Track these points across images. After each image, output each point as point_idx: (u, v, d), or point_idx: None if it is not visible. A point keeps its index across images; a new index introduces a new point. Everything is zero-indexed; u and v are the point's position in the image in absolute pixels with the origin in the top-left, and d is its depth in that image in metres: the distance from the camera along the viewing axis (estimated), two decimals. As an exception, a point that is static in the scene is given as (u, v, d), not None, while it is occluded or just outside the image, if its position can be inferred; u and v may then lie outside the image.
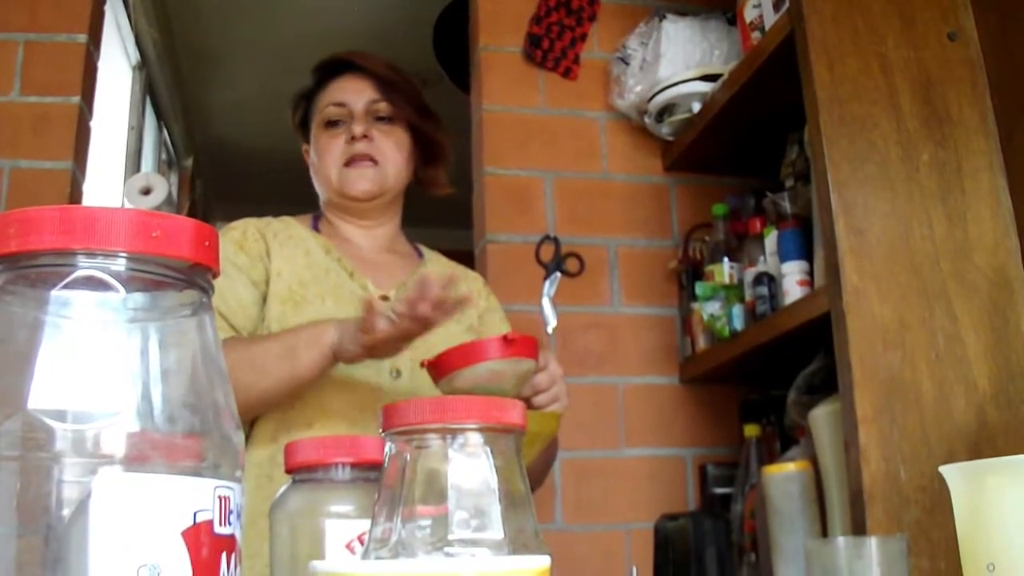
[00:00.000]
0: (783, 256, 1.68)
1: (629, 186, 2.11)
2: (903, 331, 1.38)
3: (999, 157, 1.49)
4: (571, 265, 2.02)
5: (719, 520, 1.65)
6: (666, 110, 2.02)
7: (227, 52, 3.30)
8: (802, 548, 1.15)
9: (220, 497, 0.38)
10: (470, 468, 0.46)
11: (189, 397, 0.39)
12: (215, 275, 0.41)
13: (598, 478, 1.93)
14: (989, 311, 1.41)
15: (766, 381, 1.89)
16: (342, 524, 0.58)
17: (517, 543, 0.45)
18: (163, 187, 2.54)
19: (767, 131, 1.86)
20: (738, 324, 1.82)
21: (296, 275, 1.41)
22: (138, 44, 2.89)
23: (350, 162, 1.47)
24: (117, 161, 2.81)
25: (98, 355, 0.37)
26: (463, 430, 0.46)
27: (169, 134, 3.46)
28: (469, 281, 1.58)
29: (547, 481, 1.87)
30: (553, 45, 2.12)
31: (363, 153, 1.47)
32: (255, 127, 3.53)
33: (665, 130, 2.06)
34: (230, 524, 0.39)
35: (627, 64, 2.06)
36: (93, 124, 1.97)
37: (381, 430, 0.48)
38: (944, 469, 0.61)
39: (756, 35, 1.79)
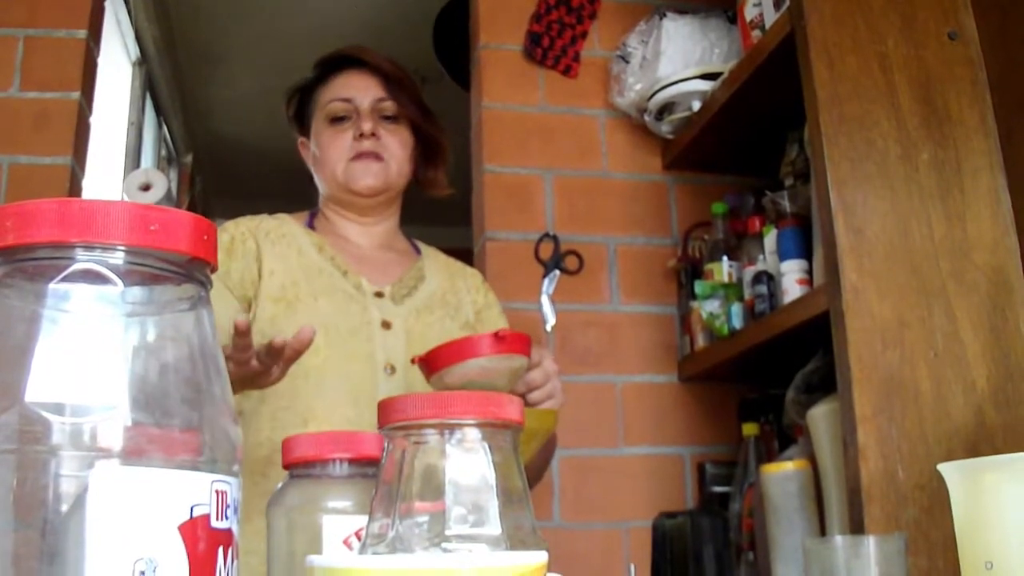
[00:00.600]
0: (782, 255, 1.68)
1: (629, 184, 2.11)
2: (902, 330, 1.38)
3: (999, 156, 1.49)
4: (570, 263, 2.02)
5: (717, 518, 1.65)
6: (666, 108, 2.02)
7: (227, 48, 3.30)
8: (800, 547, 1.15)
9: (217, 491, 0.38)
10: (468, 464, 0.45)
11: (187, 391, 0.39)
12: (213, 269, 0.41)
13: (596, 476, 1.93)
14: (988, 310, 1.41)
15: (765, 380, 1.89)
16: (340, 520, 0.58)
17: (514, 539, 0.45)
18: (163, 183, 2.54)
19: (767, 130, 1.86)
20: (737, 323, 1.82)
21: (289, 274, 1.40)
22: (138, 40, 2.89)
23: (356, 158, 1.47)
24: (117, 157, 2.81)
25: (95, 349, 0.37)
26: (461, 425, 0.46)
27: (169, 130, 3.46)
28: (466, 277, 1.58)
29: (545, 479, 1.87)
30: (553, 43, 2.12)
31: (369, 150, 1.47)
32: (255, 123, 3.53)
33: (665, 128, 2.06)
34: (227, 518, 0.39)
35: (627, 62, 2.06)
36: (93, 120, 1.96)
37: (378, 425, 0.48)
38: (942, 467, 0.61)
39: (756, 33, 1.79)
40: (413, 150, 1.53)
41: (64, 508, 0.35)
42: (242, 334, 1.09)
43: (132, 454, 0.36)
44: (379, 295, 1.43)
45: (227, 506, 0.39)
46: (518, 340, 1.24)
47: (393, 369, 1.38)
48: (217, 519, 0.38)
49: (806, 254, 1.64)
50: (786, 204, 1.69)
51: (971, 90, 1.51)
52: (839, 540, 0.94)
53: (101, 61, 2.03)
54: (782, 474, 1.47)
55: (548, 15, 2.12)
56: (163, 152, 3.38)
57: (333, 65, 1.54)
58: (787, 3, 1.59)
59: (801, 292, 1.61)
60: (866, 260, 1.40)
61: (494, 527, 0.44)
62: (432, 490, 0.45)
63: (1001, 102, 1.50)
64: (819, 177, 1.45)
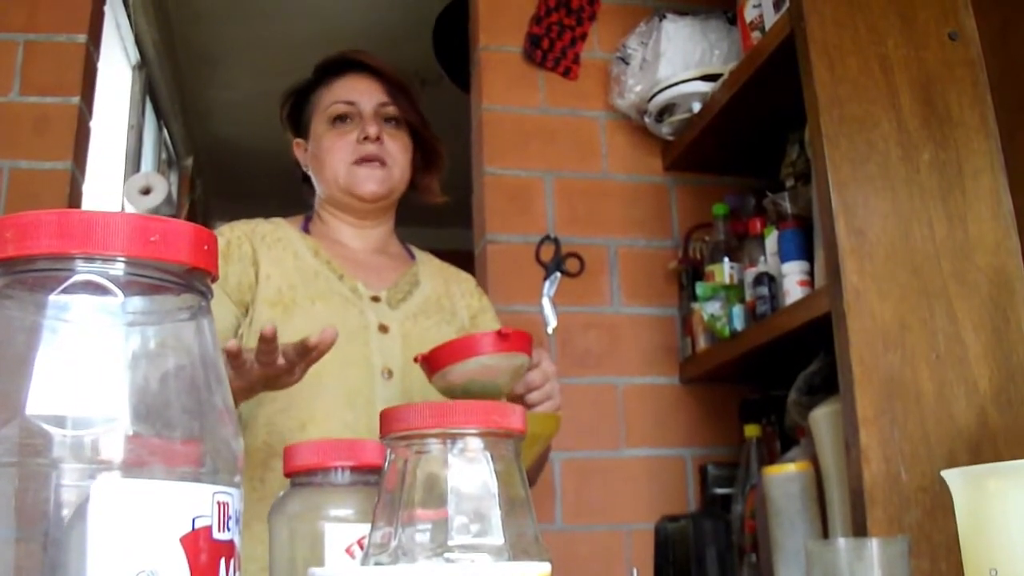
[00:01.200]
0: (783, 256, 1.68)
1: (629, 186, 2.11)
2: (903, 331, 1.37)
3: (1000, 157, 1.49)
4: (571, 265, 2.01)
5: (719, 521, 1.65)
6: (666, 110, 2.02)
7: (227, 52, 3.30)
8: (803, 549, 1.15)
9: (219, 503, 0.38)
10: (470, 473, 0.45)
11: (188, 402, 0.39)
12: (214, 279, 0.41)
13: (598, 478, 1.93)
14: (990, 311, 1.41)
15: (766, 381, 1.89)
16: (341, 528, 0.58)
17: (517, 548, 0.45)
18: (163, 187, 2.54)
19: (767, 131, 1.86)
20: (738, 324, 1.81)
21: (285, 278, 1.40)
22: (138, 44, 2.89)
23: (359, 162, 1.47)
24: (117, 161, 2.81)
25: (96, 360, 0.37)
26: (463, 435, 0.46)
27: (169, 134, 3.46)
28: (460, 282, 1.58)
29: (547, 481, 1.87)
30: (553, 45, 2.12)
31: (374, 154, 1.47)
32: (255, 126, 3.52)
33: (665, 130, 2.06)
34: (229, 530, 0.38)
35: (627, 64, 2.06)
36: (93, 124, 1.96)
37: (380, 435, 0.48)
38: (946, 474, 0.61)
39: (756, 35, 1.79)
40: (413, 155, 1.53)
41: (66, 520, 0.35)
42: (267, 341, 1.10)
43: (133, 466, 0.36)
44: (375, 299, 1.43)
45: (229, 517, 0.39)
46: (521, 338, 1.24)
47: (390, 373, 1.37)
48: (219, 530, 0.38)
49: (807, 255, 1.64)
50: (787, 205, 1.69)
51: (972, 91, 1.51)
52: (842, 542, 0.94)
53: (101, 65, 2.02)
54: (784, 476, 1.47)
55: (548, 17, 2.12)
56: (163, 155, 3.38)
57: (334, 68, 1.54)
58: (787, 4, 1.59)
59: (802, 293, 1.61)
60: (867, 261, 1.40)
61: (497, 536, 0.44)
62: (434, 499, 0.45)
63: (1002, 103, 1.50)
64: (820, 178, 1.45)
